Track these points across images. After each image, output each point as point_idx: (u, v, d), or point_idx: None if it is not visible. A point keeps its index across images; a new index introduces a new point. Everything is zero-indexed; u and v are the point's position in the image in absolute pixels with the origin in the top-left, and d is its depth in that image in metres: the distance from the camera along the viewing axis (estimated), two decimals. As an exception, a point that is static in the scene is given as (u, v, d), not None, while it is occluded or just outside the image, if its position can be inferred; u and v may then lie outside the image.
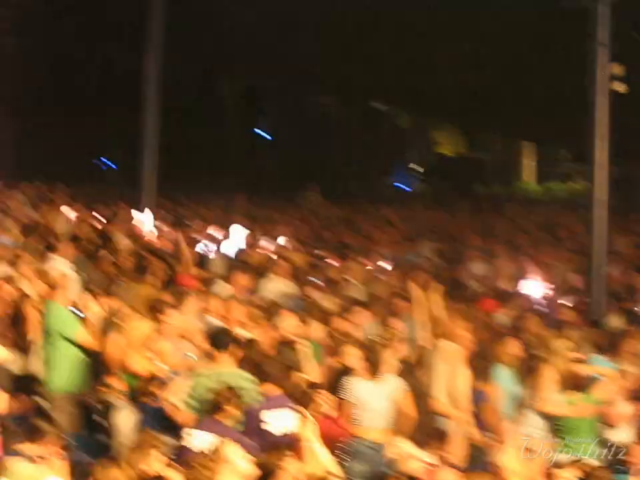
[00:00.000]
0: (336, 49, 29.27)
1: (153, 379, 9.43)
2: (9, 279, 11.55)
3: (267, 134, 39.71)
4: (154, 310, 10.33)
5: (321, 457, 7.87)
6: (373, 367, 9.41)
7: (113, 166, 39.11)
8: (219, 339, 9.18)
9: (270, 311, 11.33)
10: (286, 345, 10.05)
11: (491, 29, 27.10)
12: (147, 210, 20.21)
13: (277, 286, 13.98)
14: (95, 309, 10.95)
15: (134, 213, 20.12)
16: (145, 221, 19.55)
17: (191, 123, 34.72)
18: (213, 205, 25.78)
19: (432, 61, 30.73)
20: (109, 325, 10.71)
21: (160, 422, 8.83)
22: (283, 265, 14.70)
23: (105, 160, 39.00)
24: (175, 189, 28.41)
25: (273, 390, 8.64)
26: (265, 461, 7.18)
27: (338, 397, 9.30)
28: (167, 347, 9.91)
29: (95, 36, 29.41)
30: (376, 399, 9.38)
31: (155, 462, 7.24)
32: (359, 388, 9.42)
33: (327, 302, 12.86)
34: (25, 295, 11.11)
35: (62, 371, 10.27)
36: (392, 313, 12.14)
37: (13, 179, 25.36)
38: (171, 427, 8.62)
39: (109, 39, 29.46)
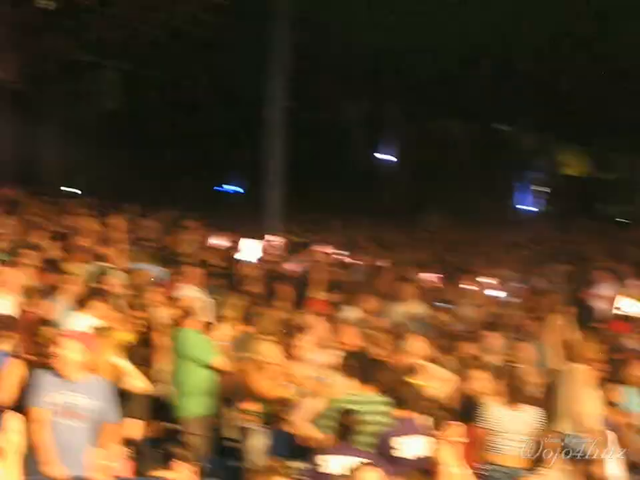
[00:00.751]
0: (456, 71, 29.21)
1: (285, 403, 9.52)
2: (140, 306, 11.76)
3: (390, 157, 39.71)
4: (285, 334, 10.45)
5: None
6: (509, 393, 9.30)
7: (240, 191, 39.61)
8: (351, 363, 9.22)
9: (398, 334, 11.32)
10: (415, 368, 10.02)
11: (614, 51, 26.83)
12: (274, 234, 20.45)
13: (404, 309, 14.01)
14: (227, 333, 11.11)
15: (264, 237, 20.43)
16: (272, 245, 19.79)
17: (316, 147, 34.98)
18: (338, 228, 25.85)
19: (554, 82, 30.47)
20: (241, 349, 10.85)
21: (293, 446, 8.89)
22: (409, 287, 14.69)
23: (232, 186, 39.51)
24: (300, 212, 28.68)
25: (405, 414, 8.62)
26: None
27: (470, 422, 9.21)
28: (299, 371, 10.00)
29: (218, 62, 29.85)
30: (514, 427, 9.24)
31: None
32: (496, 414, 9.32)
33: (453, 325, 12.80)
34: (156, 322, 11.31)
35: (195, 396, 10.40)
36: (521, 337, 12.02)
37: (146, 207, 25.87)
38: (304, 452, 8.67)
39: (233, 65, 29.86)
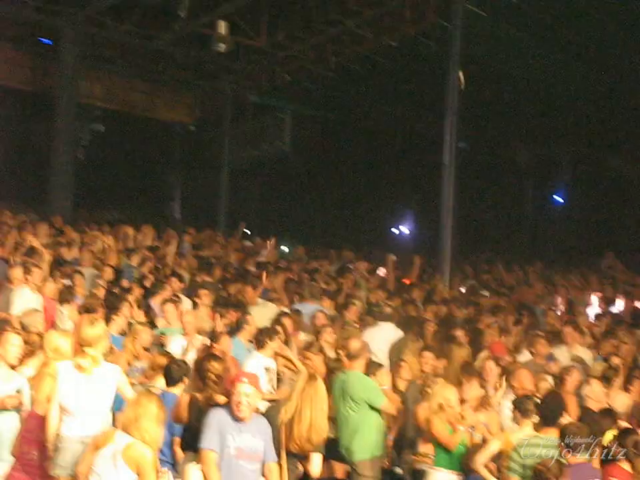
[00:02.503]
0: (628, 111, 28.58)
1: (462, 446, 9.42)
2: (311, 347, 11.81)
3: (561, 199, 39.05)
4: (463, 376, 10.34)
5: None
6: None
7: (409, 232, 39.65)
8: (525, 406, 9.09)
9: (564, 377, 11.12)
10: (590, 412, 9.79)
11: None
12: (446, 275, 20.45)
13: (572, 352, 13.78)
14: (405, 375, 11.07)
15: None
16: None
17: (486, 188, 34.78)
18: (511, 270, 25.52)
19: None
20: (415, 390, 10.78)
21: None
22: (576, 331, 14.42)
23: (402, 227, 39.57)
24: (471, 253, 28.51)
25: (577, 459, 8.39)
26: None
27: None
28: (478, 414, 9.89)
29: (390, 103, 30.00)
30: None
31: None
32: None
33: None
34: (329, 363, 11.34)
35: (366, 438, 10.31)
36: None
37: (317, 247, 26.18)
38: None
39: (405, 107, 29.97)
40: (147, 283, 14.97)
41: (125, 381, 8.43)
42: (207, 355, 9.29)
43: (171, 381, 9.06)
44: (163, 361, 9.75)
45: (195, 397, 8.49)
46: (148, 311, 12.43)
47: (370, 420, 10.29)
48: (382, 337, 12.74)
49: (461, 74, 20.49)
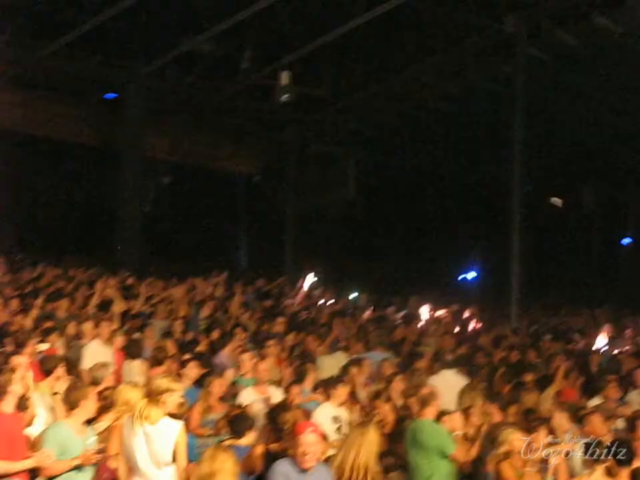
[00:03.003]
0: None
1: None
2: (380, 395, 11.73)
3: (631, 240, 38.65)
4: (532, 422, 10.20)
5: None
6: None
7: (475, 278, 39.47)
8: (595, 450, 8.94)
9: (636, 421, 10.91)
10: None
11: None
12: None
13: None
14: (475, 422, 10.93)
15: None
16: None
17: (554, 232, 34.58)
18: (581, 315, 25.25)
19: None
20: (489, 439, 10.64)
21: None
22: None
23: (469, 273, 39.40)
24: (539, 298, 28.26)
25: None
26: None
27: None
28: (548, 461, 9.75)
29: (457, 149, 30.00)
30: None
31: None
32: None
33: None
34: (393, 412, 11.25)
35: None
36: None
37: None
38: None
39: (471, 152, 29.94)
40: (214, 335, 14.98)
41: (184, 436, 8.34)
42: (280, 405, 9.26)
43: (236, 433, 9.03)
44: (235, 413, 9.74)
45: (268, 449, 8.46)
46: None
47: (441, 468, 10.16)
48: (444, 384, 12.60)
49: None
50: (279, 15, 23.11)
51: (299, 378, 12.14)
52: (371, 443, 8.06)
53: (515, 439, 9.67)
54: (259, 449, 8.53)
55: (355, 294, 28.91)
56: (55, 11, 22.08)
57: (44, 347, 12.54)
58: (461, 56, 24.19)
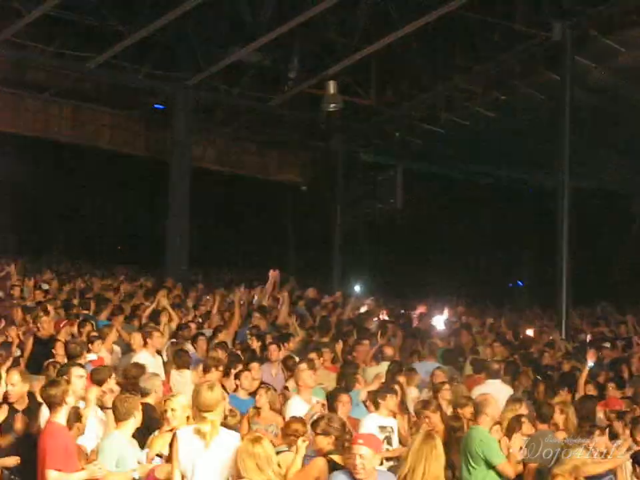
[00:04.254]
0: None
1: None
2: (429, 405, 11.68)
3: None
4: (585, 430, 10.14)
5: None
6: None
7: (521, 284, 39.37)
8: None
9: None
10: None
11: None
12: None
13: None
14: (527, 431, 10.87)
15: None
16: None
17: (598, 239, 34.38)
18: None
19: None
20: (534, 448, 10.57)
21: None
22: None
23: (517, 282, 39.34)
24: (588, 304, 28.11)
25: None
26: None
27: None
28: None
29: (505, 156, 29.89)
30: None
31: None
32: None
33: None
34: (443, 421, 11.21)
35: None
36: None
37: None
38: None
39: (517, 158, 29.83)
40: (254, 345, 14.98)
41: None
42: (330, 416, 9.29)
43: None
44: (297, 426, 9.68)
45: (331, 460, 8.48)
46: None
47: (487, 477, 10.09)
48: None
49: None
50: (326, 24, 23.21)
51: (346, 387, 12.14)
52: (439, 456, 8.03)
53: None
54: (323, 461, 8.55)
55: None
56: (102, 23, 22.31)
57: (92, 357, 12.63)
58: (507, 63, 24.10)
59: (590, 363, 15.12)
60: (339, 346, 15.59)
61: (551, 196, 22.75)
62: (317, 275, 29.89)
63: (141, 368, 11.30)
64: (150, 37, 22.59)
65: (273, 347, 14.12)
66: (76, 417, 8.98)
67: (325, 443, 8.79)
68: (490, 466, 10.01)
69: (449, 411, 11.69)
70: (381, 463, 8.99)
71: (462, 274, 33.82)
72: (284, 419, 10.65)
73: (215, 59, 24.07)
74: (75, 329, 14.65)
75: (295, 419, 10.01)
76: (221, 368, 12.30)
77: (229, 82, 25.48)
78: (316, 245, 31.57)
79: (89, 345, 12.97)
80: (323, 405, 10.98)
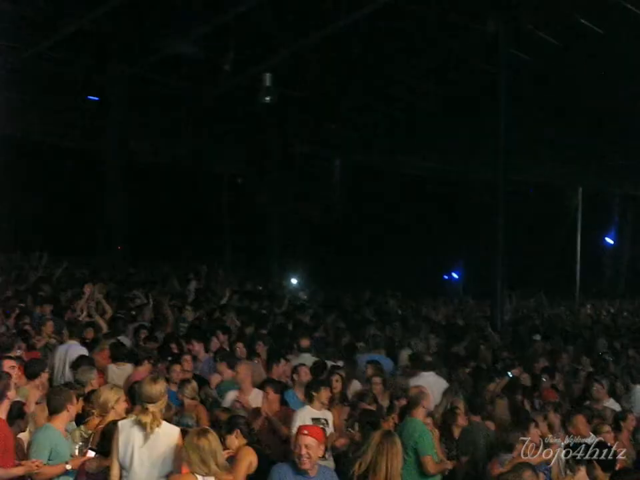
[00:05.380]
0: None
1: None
2: (364, 397, 11.77)
3: (612, 240, 38.99)
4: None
5: None
6: None
7: (456, 278, 39.73)
8: (577, 452, 8.96)
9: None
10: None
11: None
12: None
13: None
14: (461, 423, 10.99)
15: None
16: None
17: (535, 232, 34.78)
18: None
19: None
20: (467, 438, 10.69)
21: None
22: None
23: (452, 273, 39.69)
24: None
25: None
26: None
27: None
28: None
29: (442, 149, 30.11)
30: None
31: None
32: None
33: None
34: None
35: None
36: None
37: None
38: None
39: (456, 151, 30.06)
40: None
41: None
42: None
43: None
44: (224, 417, 9.70)
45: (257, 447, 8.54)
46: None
47: (415, 468, 10.16)
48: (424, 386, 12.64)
49: None
50: (262, 17, 23.17)
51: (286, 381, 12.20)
52: (399, 452, 8.09)
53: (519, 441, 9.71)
54: (246, 449, 8.60)
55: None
56: (38, 13, 22.07)
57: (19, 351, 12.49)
58: (443, 57, 24.29)
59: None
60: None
61: (488, 189, 22.94)
62: (252, 269, 29.87)
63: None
64: (85, 28, 22.41)
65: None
66: (18, 412, 8.93)
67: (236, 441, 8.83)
68: (416, 454, 10.11)
69: (384, 403, 11.79)
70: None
71: (398, 266, 33.95)
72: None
73: (151, 51, 23.94)
74: (11, 322, 14.55)
75: (222, 409, 10.10)
76: (152, 361, 12.30)
77: (164, 74, 25.33)
78: (252, 238, 31.51)
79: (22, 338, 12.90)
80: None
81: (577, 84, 24.42)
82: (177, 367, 11.88)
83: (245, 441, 8.82)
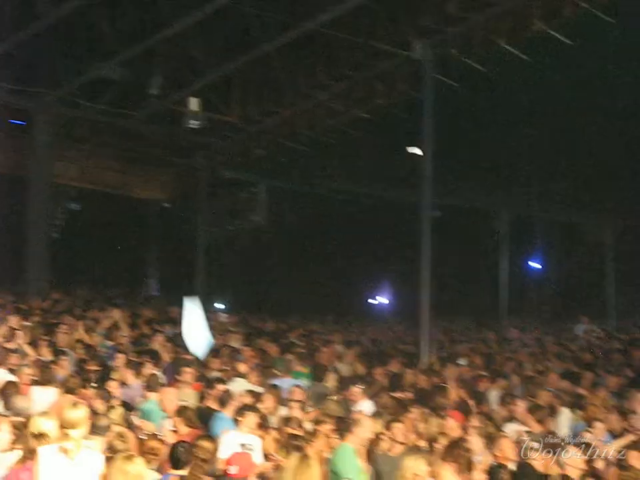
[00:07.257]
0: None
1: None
2: (290, 422, 11.72)
3: (538, 264, 39.29)
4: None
5: None
6: None
7: (387, 302, 39.84)
8: (498, 475, 9.02)
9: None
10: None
11: None
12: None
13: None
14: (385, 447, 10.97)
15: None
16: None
17: (463, 254, 34.98)
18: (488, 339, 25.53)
19: None
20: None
21: None
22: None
23: (380, 297, 39.79)
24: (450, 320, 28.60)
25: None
26: None
27: None
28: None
29: (367, 173, 30.18)
30: None
31: None
32: None
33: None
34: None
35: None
36: None
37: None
38: None
39: (380, 176, 30.18)
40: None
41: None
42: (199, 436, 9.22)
43: (177, 465, 8.67)
44: (155, 444, 9.50)
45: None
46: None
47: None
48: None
49: None
50: (188, 41, 23.11)
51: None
52: (316, 476, 8.04)
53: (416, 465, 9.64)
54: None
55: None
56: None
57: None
58: (369, 81, 24.37)
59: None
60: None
61: (413, 213, 23.02)
62: (179, 293, 29.61)
63: None
64: (10, 51, 22.13)
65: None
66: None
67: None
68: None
69: (308, 427, 11.74)
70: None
71: (325, 290, 33.98)
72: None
73: (76, 74, 23.72)
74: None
75: (151, 436, 9.93)
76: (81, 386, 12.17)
77: (90, 97, 25.09)
78: (179, 262, 31.31)
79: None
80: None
81: (503, 109, 24.69)
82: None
83: None
